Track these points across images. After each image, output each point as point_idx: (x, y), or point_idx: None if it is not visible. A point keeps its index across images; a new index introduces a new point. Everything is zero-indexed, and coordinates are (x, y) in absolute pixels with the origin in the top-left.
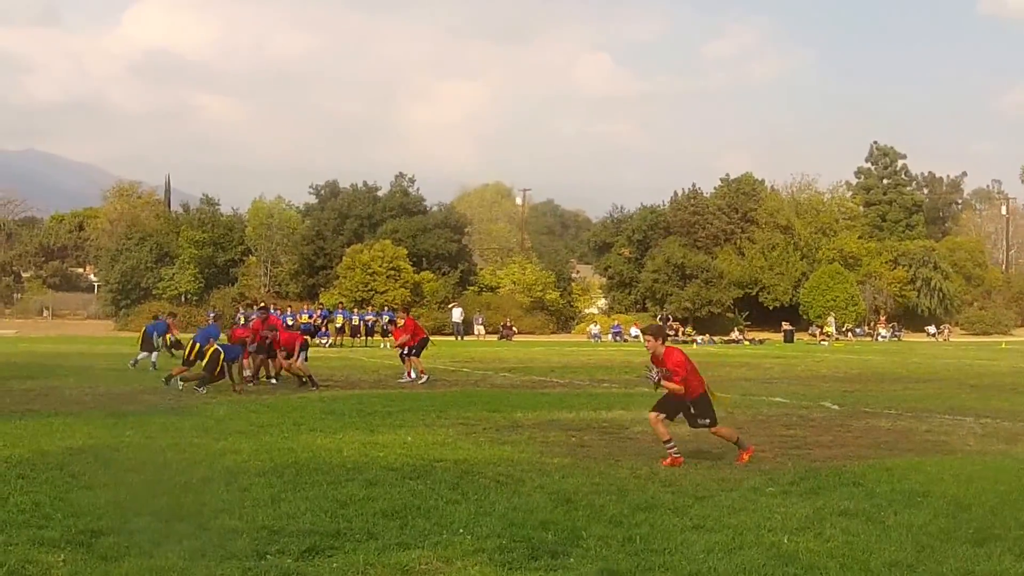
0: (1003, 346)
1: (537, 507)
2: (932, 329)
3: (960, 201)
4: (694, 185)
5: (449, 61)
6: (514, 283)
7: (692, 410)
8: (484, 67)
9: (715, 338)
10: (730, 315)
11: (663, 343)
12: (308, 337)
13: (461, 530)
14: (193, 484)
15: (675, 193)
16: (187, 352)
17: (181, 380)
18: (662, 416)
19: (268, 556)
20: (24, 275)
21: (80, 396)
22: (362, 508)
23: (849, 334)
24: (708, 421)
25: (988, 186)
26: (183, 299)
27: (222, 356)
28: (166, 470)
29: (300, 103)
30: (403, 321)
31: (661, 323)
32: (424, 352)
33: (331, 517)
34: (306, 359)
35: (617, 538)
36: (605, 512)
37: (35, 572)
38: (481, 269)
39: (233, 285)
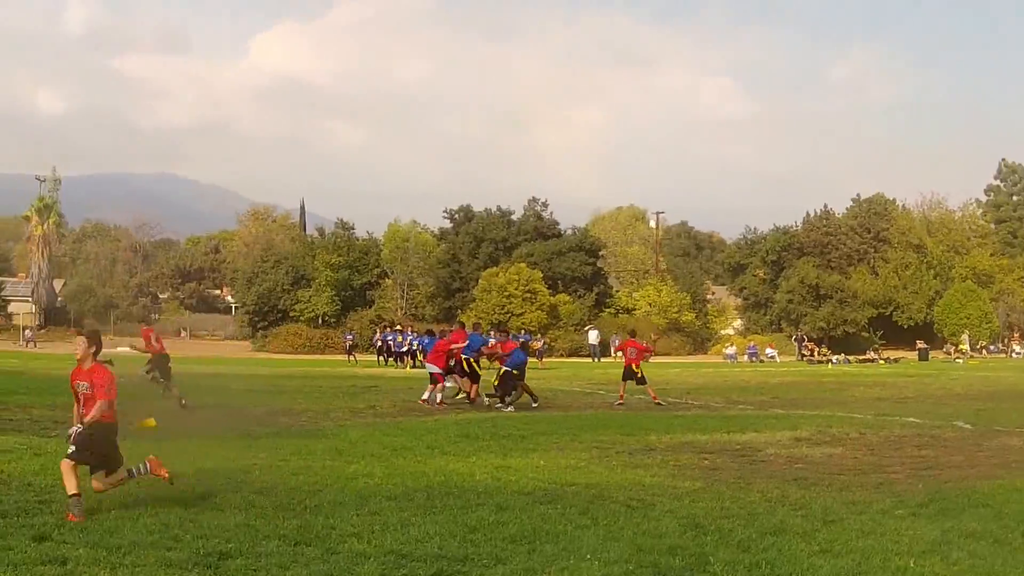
0: None
1: (666, 532)
2: None
3: None
4: (826, 206)
5: (575, 86)
6: (650, 305)
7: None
8: (610, 92)
9: (850, 358)
10: (865, 334)
11: (95, 353)
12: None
13: (589, 556)
14: (323, 507)
15: (807, 214)
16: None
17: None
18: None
19: None
20: (161, 296)
21: (215, 417)
22: (491, 533)
23: (983, 351)
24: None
25: None
26: (320, 321)
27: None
28: (297, 493)
29: (427, 128)
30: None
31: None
32: (556, 374)
33: (460, 542)
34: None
35: (744, 563)
36: (733, 537)
37: None
38: (617, 291)
39: (370, 307)
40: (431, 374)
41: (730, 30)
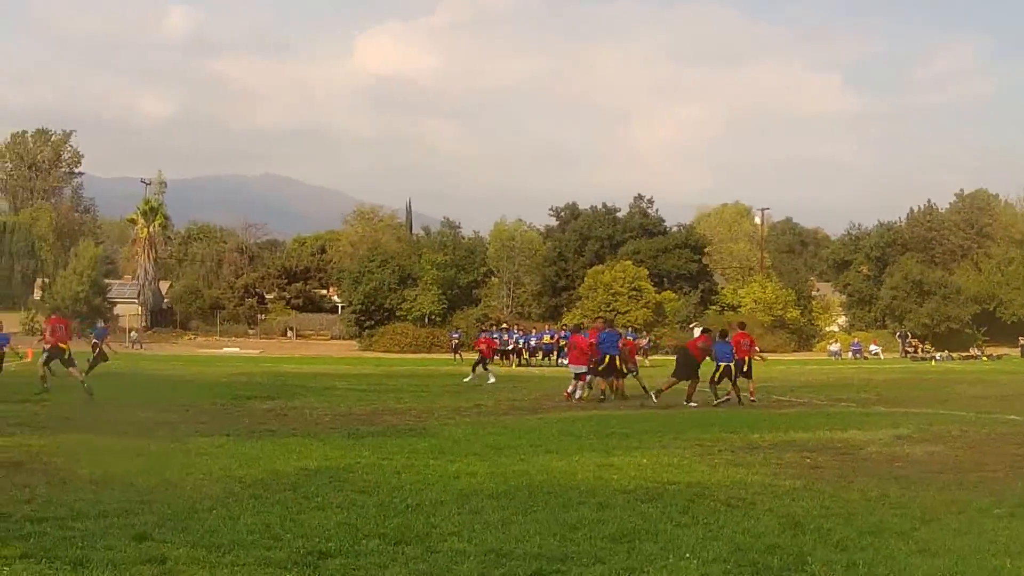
0: None
1: (766, 531)
2: None
3: None
4: (929, 201)
5: (678, 84)
6: (755, 302)
7: None
8: (713, 89)
9: (953, 354)
10: (968, 331)
11: None
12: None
13: (688, 554)
14: (425, 506)
15: (911, 209)
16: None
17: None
18: None
19: None
20: (267, 296)
21: (319, 417)
22: (591, 532)
23: None
24: None
25: None
26: (426, 320)
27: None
28: (399, 492)
29: (531, 127)
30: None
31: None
32: (661, 372)
33: (560, 540)
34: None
35: (842, 563)
36: (832, 536)
37: None
38: (722, 288)
39: (476, 306)
40: (576, 374)
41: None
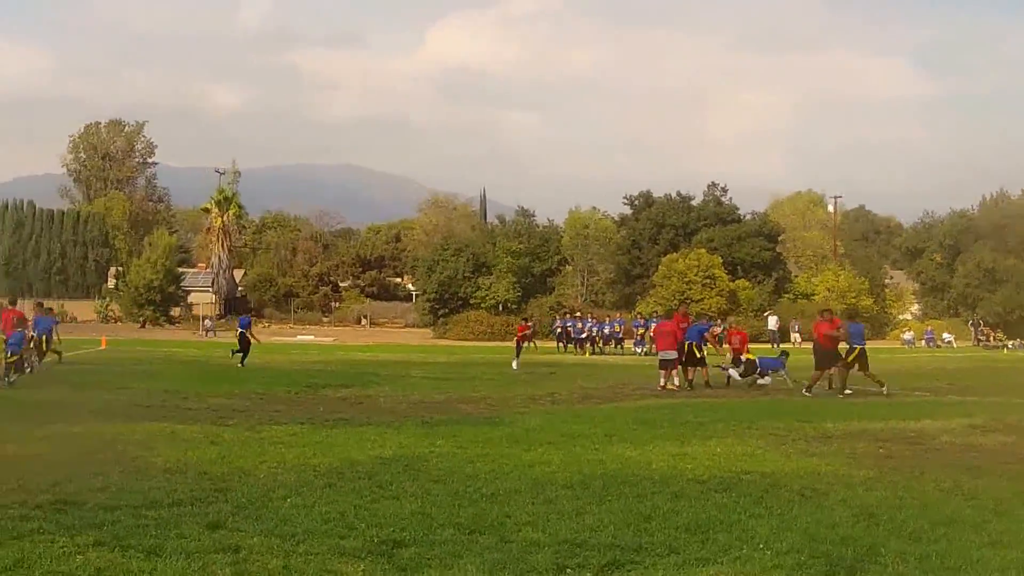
0: None
1: (839, 522)
2: None
3: None
4: (1002, 188)
5: (749, 70)
6: (828, 290)
7: None
8: (784, 75)
9: None
10: None
11: None
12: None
13: (762, 545)
14: (499, 495)
15: (983, 197)
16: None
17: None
18: None
19: (568, 570)
20: (342, 285)
21: (395, 405)
22: (665, 522)
23: None
24: None
25: None
26: (500, 308)
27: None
28: (473, 481)
29: (605, 115)
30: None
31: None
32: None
33: (634, 531)
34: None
35: (915, 555)
36: (905, 527)
37: None
38: (795, 277)
39: (550, 294)
40: (664, 360)
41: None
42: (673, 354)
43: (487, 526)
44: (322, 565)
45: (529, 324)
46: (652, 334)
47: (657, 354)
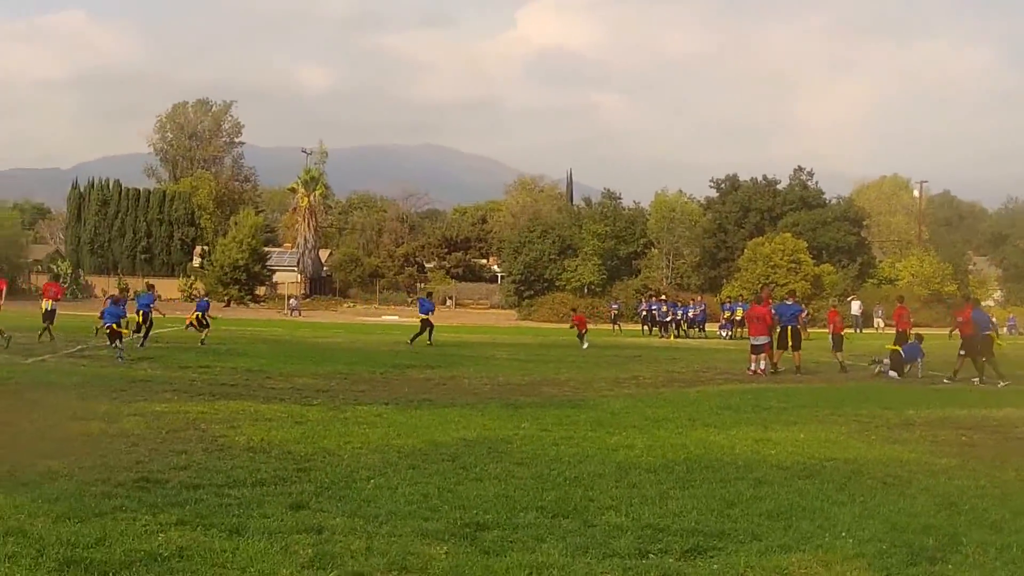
0: None
1: (921, 510)
2: None
3: None
4: None
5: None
6: (912, 275)
7: None
8: (872, 62)
9: None
10: None
11: None
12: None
13: (844, 533)
14: (583, 479)
15: None
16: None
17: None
18: None
19: (650, 555)
20: (427, 265)
21: (479, 387)
22: (748, 508)
23: None
24: None
25: None
26: (585, 290)
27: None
28: (557, 464)
29: (692, 99)
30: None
31: None
32: (818, 344)
33: (717, 516)
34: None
35: (996, 545)
36: (987, 517)
37: (416, 564)
38: (880, 262)
39: (635, 277)
40: (755, 345)
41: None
42: (765, 339)
43: (570, 510)
44: (405, 547)
45: (615, 307)
46: (745, 318)
47: (748, 339)
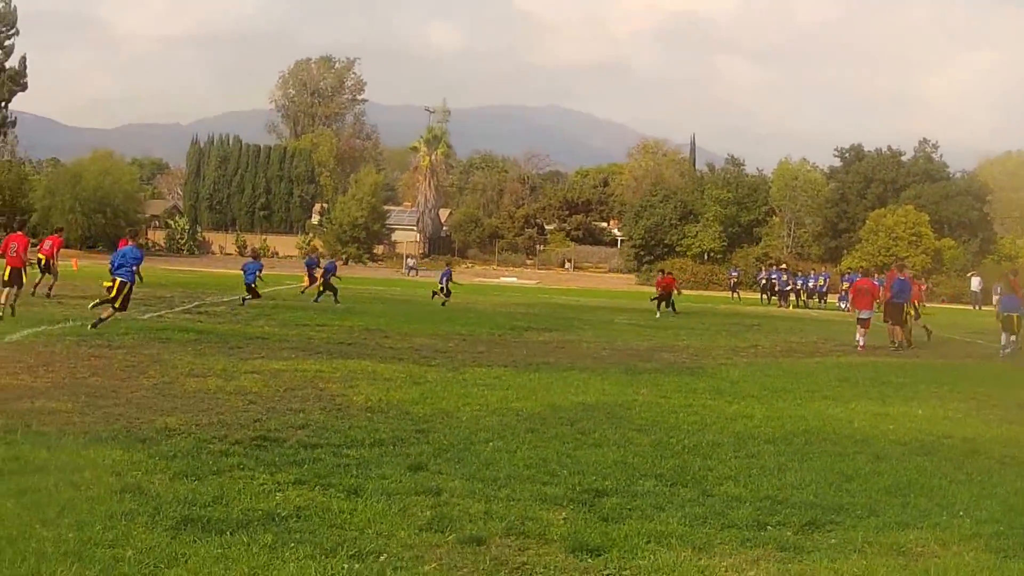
0: None
1: None
2: None
3: None
4: None
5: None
6: None
7: None
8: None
9: None
10: None
11: None
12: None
13: (961, 512)
14: (702, 447)
15: None
16: None
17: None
18: None
19: (768, 527)
20: (547, 227)
21: (598, 351)
22: (866, 483)
23: None
24: None
25: None
26: (705, 257)
27: None
28: (675, 431)
29: (820, 69)
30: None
31: None
32: (935, 320)
33: (835, 490)
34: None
35: None
36: None
37: (534, 529)
38: (1001, 238)
39: (756, 244)
40: (862, 319)
41: None
42: (870, 313)
43: (689, 479)
44: (524, 511)
45: (734, 274)
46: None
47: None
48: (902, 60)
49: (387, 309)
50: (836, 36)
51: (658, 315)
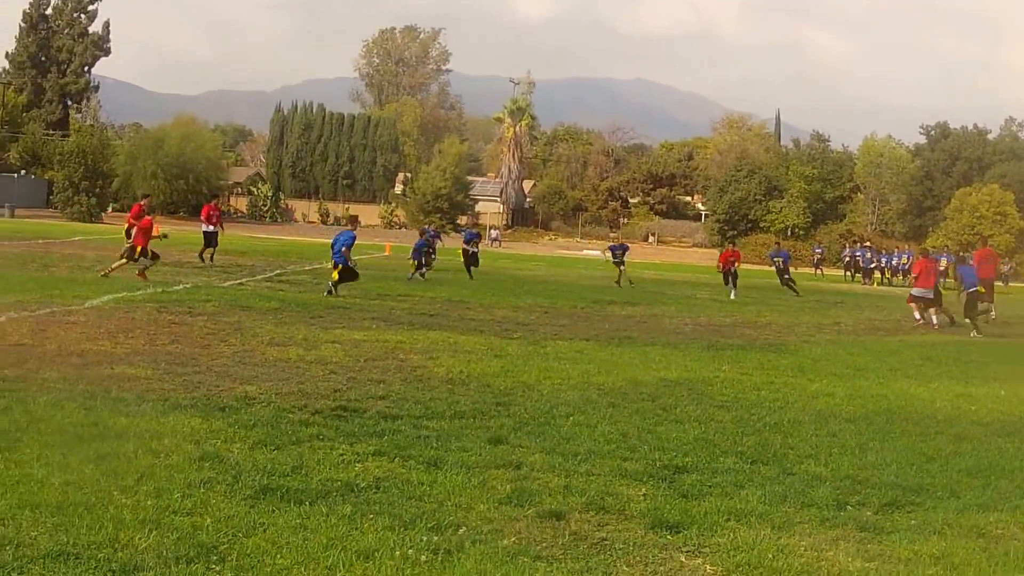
0: None
1: None
2: None
3: None
4: None
5: None
6: None
7: None
8: None
9: None
10: None
11: None
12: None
13: None
14: (783, 425)
15: None
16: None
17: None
18: None
19: (848, 507)
20: (631, 201)
21: (680, 326)
22: (947, 464)
23: None
24: None
25: None
26: (789, 233)
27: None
28: (757, 409)
29: (913, 42)
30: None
31: None
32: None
33: (916, 471)
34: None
35: None
36: None
37: (614, 504)
38: None
39: (840, 221)
40: (916, 297)
41: None
42: (921, 291)
43: (770, 456)
44: (604, 487)
45: (818, 252)
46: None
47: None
48: (996, 33)
49: (469, 280)
50: (925, 8)
51: (732, 296)
